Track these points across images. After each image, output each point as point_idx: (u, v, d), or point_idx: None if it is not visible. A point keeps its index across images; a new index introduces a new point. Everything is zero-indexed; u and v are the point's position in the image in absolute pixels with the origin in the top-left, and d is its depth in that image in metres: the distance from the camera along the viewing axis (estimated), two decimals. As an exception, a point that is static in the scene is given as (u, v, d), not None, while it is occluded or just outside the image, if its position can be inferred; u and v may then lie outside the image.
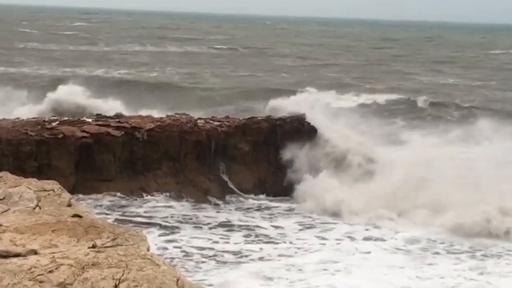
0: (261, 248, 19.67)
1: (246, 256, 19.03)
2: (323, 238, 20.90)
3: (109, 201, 23.24)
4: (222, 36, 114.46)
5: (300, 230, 21.72)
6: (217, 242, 20.10)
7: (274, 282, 17.02)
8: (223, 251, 19.33)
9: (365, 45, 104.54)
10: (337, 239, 20.81)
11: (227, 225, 21.85)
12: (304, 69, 63.83)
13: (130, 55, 69.77)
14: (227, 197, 24.68)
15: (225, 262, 18.47)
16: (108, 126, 24.94)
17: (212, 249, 19.48)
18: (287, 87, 42.97)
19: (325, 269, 17.94)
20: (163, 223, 21.67)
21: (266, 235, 20.94)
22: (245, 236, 20.85)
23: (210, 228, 21.49)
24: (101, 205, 22.70)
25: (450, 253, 19.64)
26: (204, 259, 18.66)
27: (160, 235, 20.40)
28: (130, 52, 73.48)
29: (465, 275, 17.64)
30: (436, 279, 17.40)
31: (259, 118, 27.45)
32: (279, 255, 19.14)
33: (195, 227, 21.56)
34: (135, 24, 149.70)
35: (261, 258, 18.90)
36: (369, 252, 19.58)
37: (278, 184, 25.85)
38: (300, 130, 26.65)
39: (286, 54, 79.46)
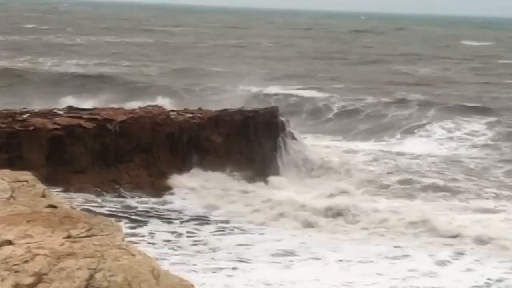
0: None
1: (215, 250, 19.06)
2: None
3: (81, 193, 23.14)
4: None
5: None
6: (184, 235, 20.09)
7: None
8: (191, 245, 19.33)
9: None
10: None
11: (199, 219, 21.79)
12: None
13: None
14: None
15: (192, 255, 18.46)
16: (80, 118, 24.81)
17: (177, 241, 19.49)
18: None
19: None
20: (133, 217, 21.60)
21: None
22: (217, 229, 20.83)
23: (181, 222, 21.45)
24: (73, 198, 22.60)
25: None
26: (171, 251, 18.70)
27: (129, 228, 20.32)
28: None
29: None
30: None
31: (231, 110, 27.47)
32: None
33: (163, 220, 21.49)
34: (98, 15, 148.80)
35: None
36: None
37: (249, 176, 25.85)
38: (273, 122, 26.68)
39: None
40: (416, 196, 24.59)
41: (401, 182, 26.21)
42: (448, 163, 30.53)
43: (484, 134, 35.91)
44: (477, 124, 37.74)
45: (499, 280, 17.25)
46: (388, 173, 28.10)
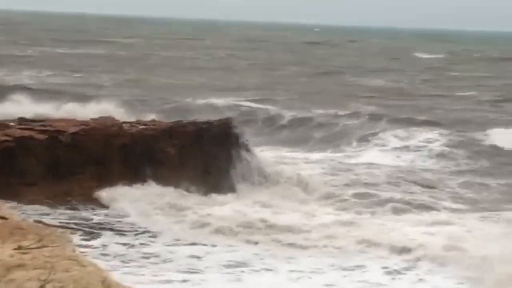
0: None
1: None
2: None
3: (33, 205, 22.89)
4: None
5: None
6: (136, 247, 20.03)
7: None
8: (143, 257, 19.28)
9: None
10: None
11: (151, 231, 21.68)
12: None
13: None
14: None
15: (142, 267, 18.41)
16: (32, 129, 24.58)
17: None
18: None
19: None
20: (85, 229, 21.44)
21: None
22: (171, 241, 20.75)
23: (135, 234, 21.34)
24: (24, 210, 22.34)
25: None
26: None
27: (81, 240, 20.16)
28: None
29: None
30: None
31: (185, 121, 27.45)
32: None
33: (116, 232, 21.36)
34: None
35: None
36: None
37: (203, 188, 25.81)
38: (227, 134, 26.69)
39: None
40: (371, 209, 24.74)
41: (357, 195, 26.40)
42: (405, 175, 30.88)
43: (438, 145, 36.35)
44: (431, 135, 38.20)
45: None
46: (345, 185, 28.32)
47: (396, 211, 24.51)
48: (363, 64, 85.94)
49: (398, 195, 26.74)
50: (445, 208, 25.39)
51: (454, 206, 25.82)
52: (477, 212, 25.02)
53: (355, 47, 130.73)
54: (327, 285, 17.60)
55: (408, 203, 25.59)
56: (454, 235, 21.22)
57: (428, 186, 28.99)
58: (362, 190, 27.44)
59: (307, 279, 17.98)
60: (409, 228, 22.13)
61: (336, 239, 20.78)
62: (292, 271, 18.47)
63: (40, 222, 19.42)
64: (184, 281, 17.41)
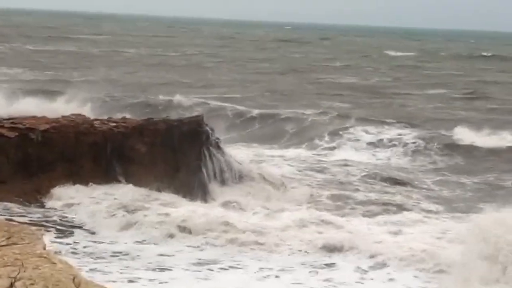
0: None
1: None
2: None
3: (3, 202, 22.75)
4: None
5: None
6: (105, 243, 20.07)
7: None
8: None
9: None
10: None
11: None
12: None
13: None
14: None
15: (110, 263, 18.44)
16: (2, 127, 24.42)
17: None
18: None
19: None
20: (57, 226, 21.37)
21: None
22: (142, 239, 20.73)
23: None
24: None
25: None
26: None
27: (53, 237, 20.12)
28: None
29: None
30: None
31: (156, 119, 27.41)
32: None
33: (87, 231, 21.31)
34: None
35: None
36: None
37: (174, 186, 25.80)
38: (198, 131, 26.68)
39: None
40: (345, 209, 24.84)
41: (332, 195, 26.53)
42: (380, 171, 31.11)
43: (412, 143, 36.61)
44: (404, 133, 38.48)
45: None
46: (320, 184, 28.42)
47: (370, 212, 24.64)
48: (334, 62, 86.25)
49: (372, 195, 26.92)
50: (420, 208, 25.55)
51: (429, 206, 26.00)
52: (451, 212, 25.22)
53: (327, 45, 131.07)
54: (295, 283, 17.66)
55: (383, 203, 25.74)
56: (426, 236, 21.37)
57: (404, 184, 29.23)
58: (337, 189, 27.61)
59: (275, 277, 18.04)
60: (380, 228, 22.24)
61: (306, 239, 20.77)
62: (261, 269, 18.52)
63: (10, 220, 19.42)
64: (152, 280, 17.43)
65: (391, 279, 18.28)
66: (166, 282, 17.25)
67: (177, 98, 44.85)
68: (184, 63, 74.49)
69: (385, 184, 29.16)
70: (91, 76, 57.23)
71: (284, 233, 21.14)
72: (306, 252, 19.99)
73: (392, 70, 78.09)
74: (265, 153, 34.66)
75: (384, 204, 25.66)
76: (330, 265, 19.02)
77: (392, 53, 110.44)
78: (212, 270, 18.23)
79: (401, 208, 25.19)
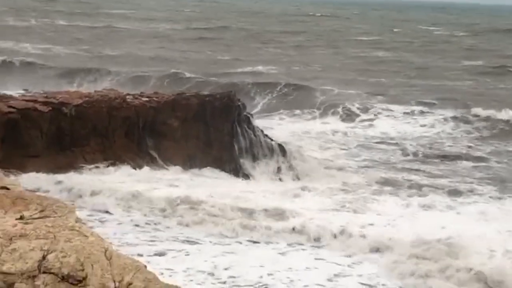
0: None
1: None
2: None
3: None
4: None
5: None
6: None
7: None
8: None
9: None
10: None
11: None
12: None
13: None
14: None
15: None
16: (35, 101, 24.56)
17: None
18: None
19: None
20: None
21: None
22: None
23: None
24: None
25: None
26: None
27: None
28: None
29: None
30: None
31: (188, 94, 27.45)
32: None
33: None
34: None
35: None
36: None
37: (207, 161, 25.90)
38: (230, 106, 26.70)
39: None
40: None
41: (361, 167, 26.47)
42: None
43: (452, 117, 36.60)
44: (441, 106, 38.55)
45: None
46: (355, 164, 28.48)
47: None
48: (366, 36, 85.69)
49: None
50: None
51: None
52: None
53: (361, 20, 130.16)
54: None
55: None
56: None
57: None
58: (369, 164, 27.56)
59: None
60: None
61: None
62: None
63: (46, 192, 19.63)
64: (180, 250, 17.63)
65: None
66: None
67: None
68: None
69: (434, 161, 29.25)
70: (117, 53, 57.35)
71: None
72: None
73: (426, 46, 77.32)
74: (306, 127, 34.89)
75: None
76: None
77: (430, 28, 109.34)
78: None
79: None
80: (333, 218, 20.44)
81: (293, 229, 19.59)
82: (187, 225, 19.85)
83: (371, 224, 20.10)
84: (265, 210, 20.60)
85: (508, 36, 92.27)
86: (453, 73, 54.30)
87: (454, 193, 24.63)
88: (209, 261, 17.10)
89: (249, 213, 20.46)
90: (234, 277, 16.31)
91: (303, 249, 18.60)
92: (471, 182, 26.35)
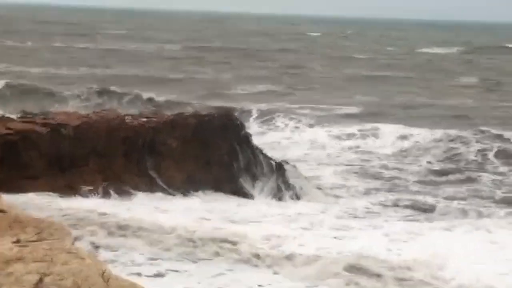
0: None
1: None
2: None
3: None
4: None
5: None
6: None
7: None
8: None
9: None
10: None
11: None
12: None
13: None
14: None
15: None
16: (34, 123, 24.57)
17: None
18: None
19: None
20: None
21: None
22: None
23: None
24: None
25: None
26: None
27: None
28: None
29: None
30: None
31: (187, 114, 27.44)
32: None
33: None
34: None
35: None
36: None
37: (207, 180, 25.84)
38: (228, 125, 26.69)
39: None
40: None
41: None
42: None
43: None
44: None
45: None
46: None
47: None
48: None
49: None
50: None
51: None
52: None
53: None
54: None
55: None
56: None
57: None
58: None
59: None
60: None
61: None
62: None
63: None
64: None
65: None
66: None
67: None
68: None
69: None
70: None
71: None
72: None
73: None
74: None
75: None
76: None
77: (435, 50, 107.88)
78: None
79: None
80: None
81: None
82: None
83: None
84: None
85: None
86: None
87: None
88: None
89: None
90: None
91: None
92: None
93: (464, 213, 24.89)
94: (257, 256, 18.66)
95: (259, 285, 17.02)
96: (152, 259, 18.38)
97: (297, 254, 18.73)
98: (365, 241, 20.26)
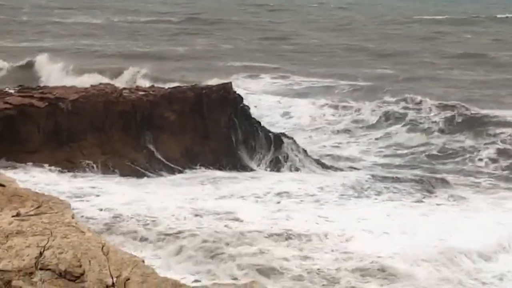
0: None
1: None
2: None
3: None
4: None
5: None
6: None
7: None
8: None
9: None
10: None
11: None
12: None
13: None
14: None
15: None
16: (32, 97, 24.55)
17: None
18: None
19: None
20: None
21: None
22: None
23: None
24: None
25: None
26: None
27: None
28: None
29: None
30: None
31: (184, 87, 27.43)
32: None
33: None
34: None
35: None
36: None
37: (205, 154, 25.87)
38: (226, 98, 26.66)
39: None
40: None
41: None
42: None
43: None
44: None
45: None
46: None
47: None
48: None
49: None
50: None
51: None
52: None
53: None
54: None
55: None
56: None
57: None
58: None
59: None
60: None
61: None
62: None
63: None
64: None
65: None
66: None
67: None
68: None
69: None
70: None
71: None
72: None
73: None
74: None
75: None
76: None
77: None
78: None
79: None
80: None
81: None
82: None
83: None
84: None
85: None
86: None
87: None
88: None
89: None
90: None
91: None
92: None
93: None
94: None
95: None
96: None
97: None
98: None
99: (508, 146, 29.99)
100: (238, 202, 21.58)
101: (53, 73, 40.18)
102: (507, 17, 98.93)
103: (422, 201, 22.84)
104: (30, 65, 42.75)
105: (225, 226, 19.20)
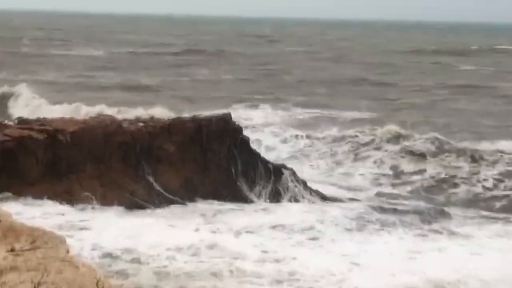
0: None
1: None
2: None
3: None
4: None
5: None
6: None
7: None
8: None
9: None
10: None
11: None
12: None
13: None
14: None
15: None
16: (31, 129, 24.50)
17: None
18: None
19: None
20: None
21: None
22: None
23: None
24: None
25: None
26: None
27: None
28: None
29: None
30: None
31: (184, 118, 27.40)
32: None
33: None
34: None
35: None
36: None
37: (205, 185, 25.78)
38: (226, 130, 26.62)
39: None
40: None
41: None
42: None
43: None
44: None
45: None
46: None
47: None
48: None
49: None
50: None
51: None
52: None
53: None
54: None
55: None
56: None
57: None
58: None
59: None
60: None
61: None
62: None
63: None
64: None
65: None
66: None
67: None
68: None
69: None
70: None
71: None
72: None
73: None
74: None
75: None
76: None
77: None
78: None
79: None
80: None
81: None
82: None
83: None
84: None
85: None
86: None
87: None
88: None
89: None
90: None
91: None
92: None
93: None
94: None
95: None
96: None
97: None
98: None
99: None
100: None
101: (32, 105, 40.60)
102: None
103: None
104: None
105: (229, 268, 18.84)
